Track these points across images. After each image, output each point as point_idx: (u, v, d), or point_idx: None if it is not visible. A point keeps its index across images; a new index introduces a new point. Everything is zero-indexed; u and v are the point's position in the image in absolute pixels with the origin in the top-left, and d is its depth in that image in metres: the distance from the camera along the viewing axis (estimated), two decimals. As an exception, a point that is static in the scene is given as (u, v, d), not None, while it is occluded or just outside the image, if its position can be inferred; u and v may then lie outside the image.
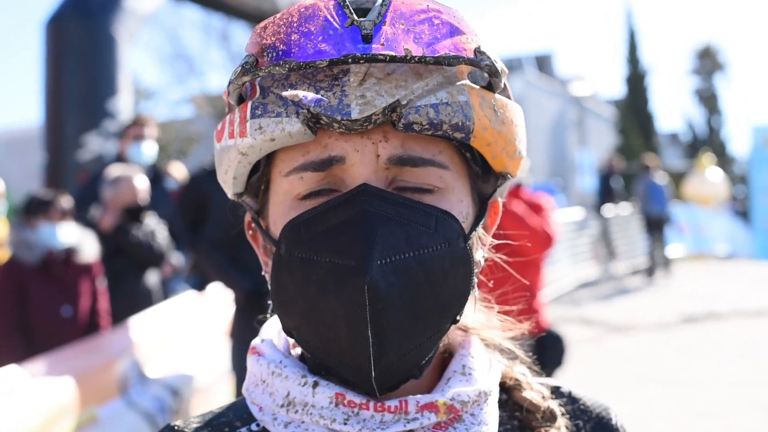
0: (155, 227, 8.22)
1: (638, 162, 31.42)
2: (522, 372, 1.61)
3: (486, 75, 1.40)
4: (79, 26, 12.33)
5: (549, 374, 5.86)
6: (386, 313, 1.26)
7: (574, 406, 1.61)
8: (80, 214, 7.95)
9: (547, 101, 55.60)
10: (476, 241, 1.46)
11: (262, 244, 1.51)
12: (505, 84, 1.43)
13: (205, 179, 7.36)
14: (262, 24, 1.37)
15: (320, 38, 1.29)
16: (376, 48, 1.27)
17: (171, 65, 45.28)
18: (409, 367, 1.35)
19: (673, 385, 11.29)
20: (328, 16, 1.31)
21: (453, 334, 1.52)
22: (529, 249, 6.01)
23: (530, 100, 50.33)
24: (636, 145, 48.87)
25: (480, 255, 1.48)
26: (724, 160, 56.59)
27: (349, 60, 1.26)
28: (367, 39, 1.28)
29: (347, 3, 1.32)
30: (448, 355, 1.52)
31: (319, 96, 1.29)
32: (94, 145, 12.09)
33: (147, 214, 8.22)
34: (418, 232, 1.31)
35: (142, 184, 8.16)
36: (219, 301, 8.25)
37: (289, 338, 1.50)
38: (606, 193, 26.11)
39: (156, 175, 9.74)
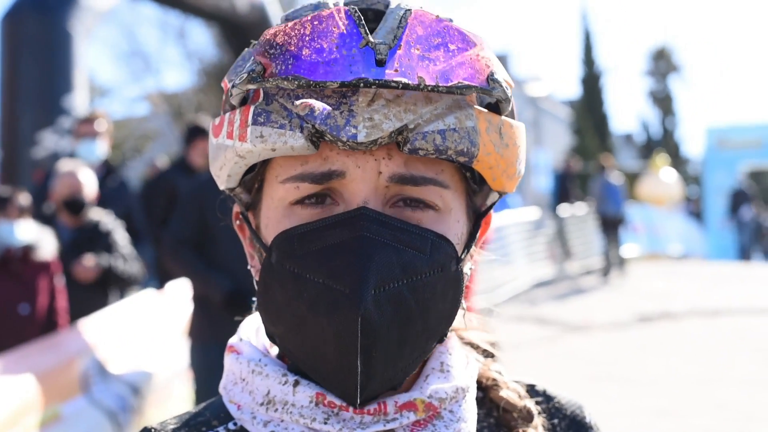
0: (112, 226, 8.13)
1: (594, 162, 31.64)
2: (498, 371, 1.61)
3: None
4: (35, 22, 12.23)
5: None
6: (377, 343, 1.26)
7: (548, 404, 1.62)
8: (36, 212, 7.88)
9: (503, 101, 55.66)
10: (467, 259, 1.45)
11: (248, 236, 1.49)
12: (510, 99, 1.40)
13: (171, 175, 7.24)
14: (272, 30, 1.33)
15: (333, 57, 1.26)
16: (390, 74, 1.25)
17: (127, 62, 45.02)
18: (392, 383, 1.35)
19: (631, 384, 11.36)
20: (343, 34, 1.29)
21: None
22: None
23: (486, 100, 50.35)
24: (591, 145, 49.13)
25: (468, 267, 1.47)
26: (678, 161, 57.04)
27: (361, 85, 1.23)
28: (381, 63, 1.26)
29: (363, 22, 1.30)
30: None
31: (325, 113, 1.26)
32: (49, 142, 12.00)
33: (92, 210, 8.08)
34: (413, 257, 1.30)
35: (85, 179, 8.03)
36: (177, 298, 8.20)
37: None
38: (562, 194, 26.22)
39: (109, 171, 9.66)
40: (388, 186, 1.32)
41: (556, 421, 1.60)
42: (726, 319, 16.45)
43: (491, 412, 1.56)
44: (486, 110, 1.35)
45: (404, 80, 1.24)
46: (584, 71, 55.69)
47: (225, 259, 6.42)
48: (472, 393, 1.48)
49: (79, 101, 12.54)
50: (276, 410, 1.37)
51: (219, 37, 29.48)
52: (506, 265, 20.12)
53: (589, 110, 53.78)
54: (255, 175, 1.43)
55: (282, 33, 1.32)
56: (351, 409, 1.34)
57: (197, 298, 6.73)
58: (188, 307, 7.02)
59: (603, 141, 52.32)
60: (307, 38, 1.29)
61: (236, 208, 1.52)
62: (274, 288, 1.34)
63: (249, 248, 1.50)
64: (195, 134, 9.94)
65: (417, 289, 1.30)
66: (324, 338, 1.28)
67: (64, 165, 8.30)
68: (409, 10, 1.33)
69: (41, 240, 7.22)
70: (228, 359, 1.49)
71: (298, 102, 1.28)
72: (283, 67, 1.28)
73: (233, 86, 1.33)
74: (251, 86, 1.30)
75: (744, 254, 32.18)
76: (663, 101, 64.60)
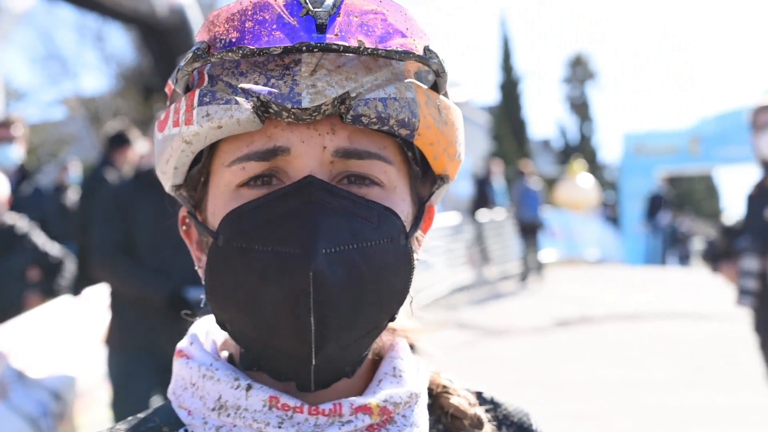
0: (28, 229, 8.02)
1: (512, 168, 31.89)
2: (449, 378, 1.62)
3: (431, 76, 1.42)
4: (-51, 24, 12.04)
5: None
6: (330, 301, 1.26)
7: (496, 411, 1.63)
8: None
9: (423, 107, 55.98)
10: (414, 242, 1.46)
11: (196, 239, 1.49)
12: (446, 75, 1.43)
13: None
14: (215, 12, 1.36)
15: (275, 26, 1.29)
16: (330, 38, 1.28)
17: (44, 66, 44.42)
18: (346, 362, 1.36)
19: (551, 389, 11.45)
20: (283, 5, 1.31)
21: (382, 335, 1.51)
22: None
23: (406, 105, 50.66)
24: (509, 151, 49.52)
25: (416, 257, 1.46)
26: (595, 166, 57.72)
27: (303, 48, 1.27)
28: (322, 29, 1.29)
29: None
30: (378, 358, 1.52)
31: (270, 84, 1.29)
32: (-37, 146, 11.82)
33: (6, 214, 7.94)
34: (362, 225, 1.31)
35: None
36: (94, 305, 8.10)
37: (216, 341, 1.49)
38: (481, 199, 26.35)
39: (24, 177, 9.55)
40: (333, 161, 1.33)
41: (503, 428, 1.61)
42: (644, 323, 16.68)
43: (440, 419, 1.56)
44: (425, 86, 1.39)
45: (344, 43, 1.28)
46: (503, 77, 56.19)
47: (169, 263, 6.34)
48: (424, 399, 1.49)
49: (-6, 105, 12.37)
50: (228, 415, 1.36)
51: (138, 41, 29.23)
52: (426, 269, 20.14)
53: (508, 116, 54.26)
54: (201, 168, 1.43)
55: (225, 11, 1.34)
56: (305, 409, 1.34)
57: (115, 305, 6.65)
58: (106, 314, 6.93)
59: (521, 146, 52.80)
60: (249, 12, 1.31)
61: (182, 212, 1.52)
62: (222, 270, 1.34)
63: (196, 252, 1.49)
64: (122, 140, 9.86)
65: (368, 256, 1.31)
66: (276, 305, 1.28)
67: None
68: None
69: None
70: (177, 364, 1.48)
71: (242, 79, 1.31)
72: (227, 42, 1.31)
73: (178, 70, 1.35)
74: (197, 64, 1.32)
75: (659, 258, 32.65)
76: (580, 107, 65.39)
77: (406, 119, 1.33)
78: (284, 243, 1.27)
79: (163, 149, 1.43)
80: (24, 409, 6.53)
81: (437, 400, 1.57)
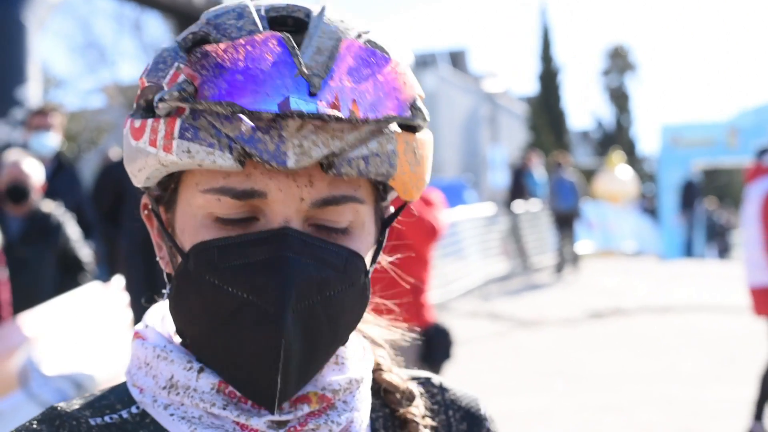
0: (62, 218, 8.10)
1: (550, 159, 31.78)
2: (381, 355, 1.64)
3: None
4: (-13, 13, 12.15)
5: (436, 367, 6.04)
6: (294, 358, 1.31)
7: (444, 396, 1.65)
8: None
9: (460, 97, 55.89)
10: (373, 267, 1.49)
11: (157, 226, 1.48)
12: (427, 119, 1.42)
13: (118, 169, 7.17)
14: (208, 47, 1.32)
15: (266, 88, 1.26)
16: (322, 106, 1.26)
17: (82, 54, 44.57)
18: (303, 384, 1.40)
19: (578, 380, 11.45)
20: (276, 63, 1.29)
21: None
22: (415, 243, 5.93)
23: (443, 95, 50.64)
24: (547, 142, 49.36)
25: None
26: (633, 158, 57.41)
27: (296, 116, 1.25)
28: (313, 93, 1.27)
29: (296, 51, 1.29)
30: None
31: (256, 136, 1.27)
32: (1, 133, 11.93)
33: (41, 201, 8.04)
34: (328, 275, 1.33)
35: (29, 168, 7.97)
36: (124, 292, 8.17)
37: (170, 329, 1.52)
38: (516, 189, 26.27)
39: (60, 164, 9.62)
40: (308, 209, 1.34)
41: (450, 412, 1.64)
42: (676, 316, 16.62)
43: (386, 401, 1.60)
44: (403, 131, 1.37)
45: (337, 114, 1.26)
46: (542, 68, 55.99)
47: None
48: (367, 384, 1.52)
49: (32, 93, 12.47)
50: (177, 394, 1.39)
51: (175, 29, 29.30)
52: (460, 260, 20.17)
53: (546, 107, 54.08)
54: (172, 175, 1.41)
55: (214, 55, 1.31)
56: (250, 402, 1.37)
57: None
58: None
59: (559, 137, 52.64)
60: (241, 64, 1.28)
61: (145, 200, 1.50)
62: (191, 295, 1.36)
63: (157, 238, 1.50)
64: None
65: (328, 306, 1.33)
66: (242, 350, 1.32)
67: (9, 155, 8.27)
68: (339, 39, 1.34)
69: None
70: (133, 345, 1.51)
71: (227, 125, 1.28)
72: (216, 91, 1.27)
73: (161, 99, 1.31)
74: (181, 104, 1.29)
75: (698, 251, 32.39)
76: (619, 99, 65.09)
77: (385, 171, 1.34)
78: (258, 294, 1.29)
79: (137, 158, 1.40)
80: (42, 398, 6.59)
81: (372, 376, 1.59)
